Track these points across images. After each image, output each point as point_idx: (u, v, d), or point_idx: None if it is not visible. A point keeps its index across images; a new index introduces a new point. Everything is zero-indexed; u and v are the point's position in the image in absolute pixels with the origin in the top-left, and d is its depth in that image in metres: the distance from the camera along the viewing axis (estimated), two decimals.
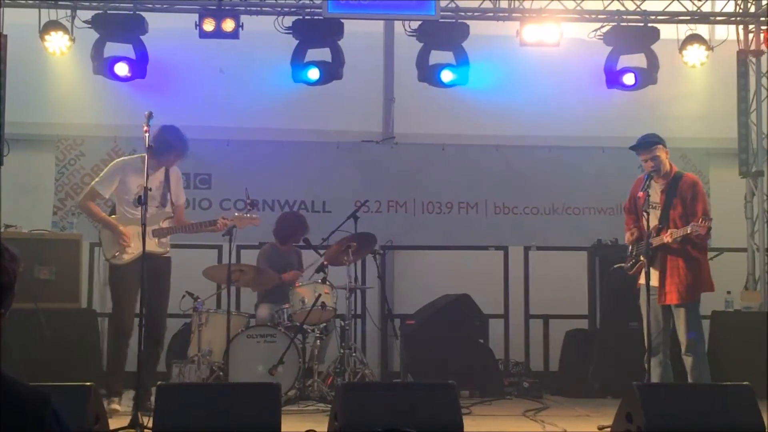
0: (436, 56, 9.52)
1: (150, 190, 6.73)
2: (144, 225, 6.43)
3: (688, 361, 6.83)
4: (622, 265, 7.25)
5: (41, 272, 8.69)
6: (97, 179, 7.54)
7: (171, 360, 8.07)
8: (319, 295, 7.98)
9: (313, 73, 9.36)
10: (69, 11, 9.43)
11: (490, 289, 10.09)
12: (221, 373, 7.70)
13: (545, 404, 8.38)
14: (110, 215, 7.41)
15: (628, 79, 9.60)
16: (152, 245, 7.22)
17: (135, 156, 6.74)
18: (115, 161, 7.69)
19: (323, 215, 10.18)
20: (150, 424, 5.43)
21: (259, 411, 5.21)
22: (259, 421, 5.17)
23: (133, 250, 7.14)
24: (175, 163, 7.53)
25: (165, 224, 7.41)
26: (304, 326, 7.97)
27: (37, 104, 10.29)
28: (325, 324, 8.31)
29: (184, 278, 7.76)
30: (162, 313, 7.42)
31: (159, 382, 5.75)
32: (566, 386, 9.29)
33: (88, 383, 5.17)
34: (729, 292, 9.36)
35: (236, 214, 7.64)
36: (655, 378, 6.80)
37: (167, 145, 7.28)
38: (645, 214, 6.80)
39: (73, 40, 9.43)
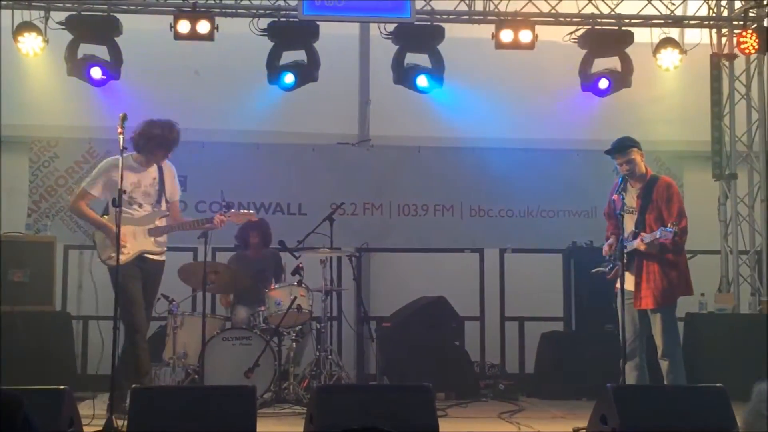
0: (411, 59, 9.53)
1: (126, 191, 6.68)
2: (118, 227, 6.37)
3: (664, 364, 6.83)
4: (601, 269, 7.20)
5: (15, 275, 8.64)
6: (87, 179, 7.36)
7: None
8: (295, 297, 7.96)
9: (289, 79, 9.35)
10: (42, 12, 9.34)
11: (466, 291, 10.11)
12: (196, 376, 7.66)
13: (521, 406, 8.39)
14: (102, 215, 7.21)
15: (603, 84, 9.66)
16: (149, 245, 7.21)
17: (126, 155, 6.56)
18: (105, 160, 7.44)
19: (299, 218, 10.14)
20: (125, 428, 5.40)
21: (234, 414, 5.19)
22: (234, 424, 5.15)
23: (129, 249, 7.02)
24: (166, 157, 7.35)
25: (161, 223, 7.30)
26: (280, 329, 7.95)
27: (10, 106, 10.13)
28: (300, 326, 8.29)
29: None
30: (147, 317, 7.35)
31: (133, 385, 5.71)
32: (542, 388, 9.30)
33: (62, 386, 5.15)
34: (703, 294, 9.41)
35: (232, 210, 7.51)
36: (630, 382, 6.76)
37: (155, 140, 7.17)
38: (620, 217, 6.82)
39: (46, 41, 9.32)
